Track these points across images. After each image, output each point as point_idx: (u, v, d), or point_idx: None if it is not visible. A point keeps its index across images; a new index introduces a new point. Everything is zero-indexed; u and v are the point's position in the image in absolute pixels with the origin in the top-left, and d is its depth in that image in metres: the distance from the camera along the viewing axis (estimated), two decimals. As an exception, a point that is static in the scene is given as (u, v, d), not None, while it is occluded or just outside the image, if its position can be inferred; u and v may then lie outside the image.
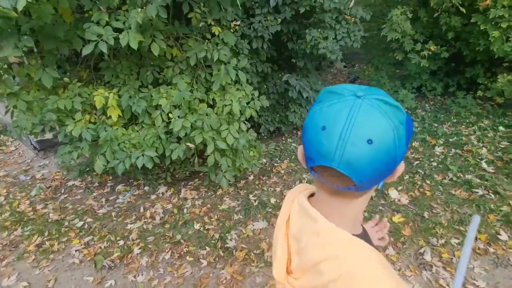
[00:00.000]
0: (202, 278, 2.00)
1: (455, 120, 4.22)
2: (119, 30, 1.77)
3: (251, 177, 3.19)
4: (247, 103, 2.41)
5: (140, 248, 2.29)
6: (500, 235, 2.16)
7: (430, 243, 2.14)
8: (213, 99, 2.45)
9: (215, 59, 2.06)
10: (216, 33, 2.20)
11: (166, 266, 2.12)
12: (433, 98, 5.13)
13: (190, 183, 3.13)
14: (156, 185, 3.06)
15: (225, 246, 2.25)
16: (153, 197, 2.96)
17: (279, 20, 2.90)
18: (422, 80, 4.96)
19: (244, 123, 2.40)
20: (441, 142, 3.61)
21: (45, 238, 2.47)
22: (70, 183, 3.35)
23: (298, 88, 3.20)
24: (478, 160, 3.12)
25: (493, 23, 3.49)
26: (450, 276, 1.89)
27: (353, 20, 2.91)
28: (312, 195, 0.60)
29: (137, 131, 2.38)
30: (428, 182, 2.83)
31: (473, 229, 0.97)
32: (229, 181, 2.55)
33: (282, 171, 3.30)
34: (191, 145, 2.23)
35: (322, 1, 2.72)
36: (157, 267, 2.12)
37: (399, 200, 2.62)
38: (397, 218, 2.40)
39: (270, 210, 2.61)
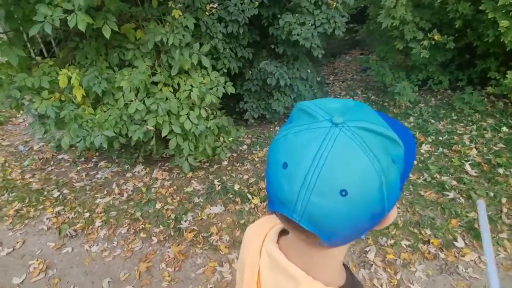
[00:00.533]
0: (148, 254, 2.12)
1: (455, 117, 3.94)
2: (70, 12, 1.81)
3: (225, 163, 3.24)
4: (210, 89, 2.40)
5: (102, 221, 2.45)
6: (457, 241, 2.05)
7: (378, 243, 2.09)
8: (178, 84, 2.47)
9: (170, 43, 2.05)
10: (176, 17, 2.17)
11: (120, 239, 2.27)
12: (441, 92, 4.79)
13: (166, 164, 3.24)
14: (133, 164, 3.21)
15: (178, 226, 2.35)
16: (128, 175, 3.11)
17: (257, 3, 2.80)
18: (429, 72, 4.61)
19: (205, 109, 2.41)
20: (430, 140, 3.40)
21: (24, 205, 2.70)
22: (60, 156, 3.59)
23: (277, 76, 3.12)
24: (463, 161, 2.92)
25: (503, 11, 3.13)
26: (388, 276, 1.86)
27: (334, 5, 2.73)
28: (283, 230, 0.48)
29: (105, 111, 2.47)
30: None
31: (483, 215, 0.90)
32: (192, 165, 2.60)
33: (257, 159, 3.30)
34: (150, 127, 2.28)
35: (301, -16, 2.57)
36: (112, 240, 2.27)
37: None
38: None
39: (230, 196, 2.66)
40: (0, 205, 2.73)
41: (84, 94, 2.29)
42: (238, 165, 3.21)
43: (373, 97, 5.18)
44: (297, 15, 2.69)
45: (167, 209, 2.54)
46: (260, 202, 2.55)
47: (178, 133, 2.40)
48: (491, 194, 2.46)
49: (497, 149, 3.10)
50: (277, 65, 3.16)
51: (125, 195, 2.77)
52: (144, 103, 2.17)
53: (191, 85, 2.29)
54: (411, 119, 4.03)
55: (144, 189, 2.83)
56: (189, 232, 2.27)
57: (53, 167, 3.36)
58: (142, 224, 2.40)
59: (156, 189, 2.83)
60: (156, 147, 2.58)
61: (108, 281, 1.92)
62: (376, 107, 4.62)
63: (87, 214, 2.54)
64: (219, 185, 2.79)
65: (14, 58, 2.08)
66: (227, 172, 3.06)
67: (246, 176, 2.97)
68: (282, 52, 3.13)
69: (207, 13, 2.78)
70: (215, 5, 2.82)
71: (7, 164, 3.48)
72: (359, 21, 6.85)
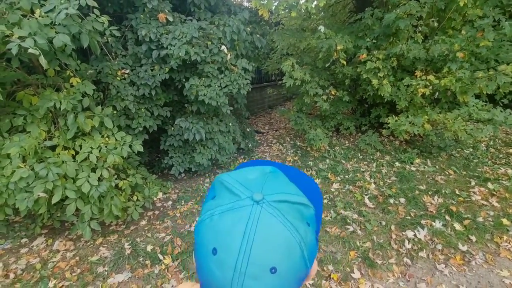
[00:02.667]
0: None
1: (361, 157, 4.54)
2: None
3: (143, 222, 3.08)
4: (114, 149, 2.42)
5: (-30, 316, 2.01)
6: (354, 273, 2.21)
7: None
8: (80, 146, 2.43)
9: (63, 108, 2.09)
10: (74, 84, 2.27)
11: (-11, 336, 1.87)
12: (353, 136, 5.55)
13: (74, 232, 2.94)
14: (33, 237, 2.83)
15: (70, 305, 2.06)
16: (23, 250, 2.71)
17: (167, 69, 3.09)
18: (338, 120, 5.39)
19: (107, 169, 2.38)
20: (339, 179, 3.81)
21: None
22: None
23: (193, 131, 3.31)
24: (363, 195, 3.31)
25: (372, 73, 4.00)
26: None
27: (236, 71, 3.18)
28: None
29: (-10, 180, 2.25)
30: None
31: None
32: (95, 230, 2.42)
33: (179, 214, 3.23)
34: (41, 194, 2.13)
35: (205, 55, 2.97)
36: None
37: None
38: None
39: (141, 259, 2.49)
40: None
41: (-38, 164, 2.08)
42: (157, 223, 3.08)
43: (299, 143, 5.71)
44: (203, 78, 3.03)
45: (62, 286, 2.23)
46: (172, 261, 2.43)
47: (78, 197, 2.28)
48: (383, 223, 2.78)
49: (390, 181, 3.62)
50: (193, 121, 3.38)
51: (12, 276, 2.37)
52: (33, 169, 2.06)
53: (91, 147, 2.29)
54: (327, 161, 4.52)
55: (38, 266, 2.47)
56: (83, 310, 2.00)
57: None
58: (25, 310, 2.05)
59: (54, 263, 2.50)
60: (50, 215, 2.37)
61: None
62: (301, 151, 5.09)
63: (-49, 310, 2.07)
64: (129, 249, 2.60)
65: None
66: (143, 233, 2.89)
67: (162, 234, 2.85)
68: (196, 110, 3.38)
69: (118, 78, 2.95)
70: (127, 71, 3.03)
71: None
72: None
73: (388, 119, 4.20)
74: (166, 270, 2.35)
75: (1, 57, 1.99)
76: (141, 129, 3.18)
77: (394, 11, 3.69)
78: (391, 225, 2.74)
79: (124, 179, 2.82)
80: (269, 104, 9.42)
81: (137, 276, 2.31)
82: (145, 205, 2.90)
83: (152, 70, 3.05)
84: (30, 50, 1.55)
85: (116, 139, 2.51)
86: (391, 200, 3.15)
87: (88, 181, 2.23)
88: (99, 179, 2.31)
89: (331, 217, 2.94)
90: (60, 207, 2.47)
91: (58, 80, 2.44)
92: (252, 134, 5.48)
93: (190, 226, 2.98)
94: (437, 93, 3.84)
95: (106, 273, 2.36)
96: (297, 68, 3.93)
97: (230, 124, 4.11)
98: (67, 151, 2.38)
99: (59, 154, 2.31)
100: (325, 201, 3.30)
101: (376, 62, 3.89)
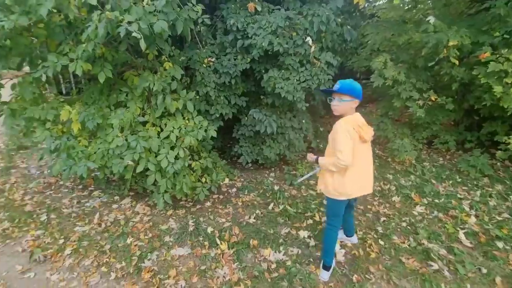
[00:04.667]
0: (101, 290, 2.09)
1: (459, 180, 3.70)
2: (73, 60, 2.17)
3: (208, 203, 3.25)
4: (191, 131, 2.57)
5: (72, 250, 2.50)
6: (432, 323, 1.79)
7: (340, 312, 1.88)
8: (165, 124, 2.68)
9: (155, 89, 2.31)
10: (167, 68, 2.48)
11: (81, 271, 2.27)
12: (451, 153, 4.58)
13: (151, 200, 3.33)
14: (123, 196, 3.34)
15: (139, 264, 2.32)
16: (114, 206, 3.22)
17: (249, 59, 3.10)
18: (433, 131, 4.52)
19: (183, 149, 2.55)
20: (426, 202, 3.19)
21: (12, 225, 2.87)
22: (62, 182, 3.85)
23: (265, 124, 3.26)
24: (458, 229, 2.67)
25: (496, 77, 3.13)
26: None
27: (318, 65, 2.94)
28: None
29: (98, 144, 2.71)
30: (381, 243, 2.51)
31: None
32: (167, 203, 2.66)
33: (241, 203, 3.28)
34: (129, 162, 2.44)
35: (288, 47, 2.85)
36: (74, 270, 2.28)
37: (335, 255, 2.38)
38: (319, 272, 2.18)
39: (201, 239, 2.62)
40: (-8, 223, 2.92)
41: (80, 128, 2.56)
42: (220, 207, 3.20)
43: (378, 151, 5.09)
44: (283, 71, 2.91)
45: (136, 245, 2.54)
46: (228, 248, 2.47)
47: (157, 170, 2.53)
48: (484, 270, 2.17)
49: (501, 219, 2.81)
50: (267, 113, 3.33)
51: (103, 226, 2.84)
52: (126, 139, 2.37)
53: (173, 127, 2.48)
54: (411, 177, 3.85)
55: (122, 222, 2.89)
56: (147, 272, 2.22)
57: (51, 192, 3.59)
58: (107, 257, 2.41)
59: (134, 223, 2.88)
60: (135, 181, 2.71)
61: (52, 314, 1.89)
62: (379, 161, 4.52)
63: (61, 241, 2.61)
64: (192, 226, 2.77)
65: (28, 93, 2.45)
66: (206, 214, 3.05)
67: (223, 220, 2.93)
68: (271, 102, 3.31)
69: (204, 65, 3.12)
70: (213, 59, 3.18)
71: (15, 185, 3.79)
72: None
73: (510, 138, 3.25)
74: (221, 255, 2.40)
75: (114, 40, 2.33)
76: (217, 115, 3.32)
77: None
78: (496, 277, 2.11)
79: (197, 160, 3.00)
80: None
81: (195, 254, 2.44)
82: (211, 188, 3.04)
83: (235, 59, 3.11)
84: (133, 34, 1.74)
85: (194, 123, 2.66)
86: (499, 244, 2.44)
87: (167, 158, 2.44)
88: (176, 157, 2.50)
89: (409, 246, 2.47)
90: (142, 176, 2.80)
91: (156, 64, 2.73)
92: (324, 134, 5.13)
93: (250, 217, 2.98)
94: None
95: (170, 243, 2.58)
96: (390, 66, 3.41)
97: (304, 121, 3.91)
98: (154, 127, 2.65)
99: (148, 129, 2.60)
100: (404, 224, 2.80)
101: (503, 63, 3.02)
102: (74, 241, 2.62)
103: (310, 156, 2.05)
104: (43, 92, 2.83)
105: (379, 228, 2.73)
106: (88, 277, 2.21)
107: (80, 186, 3.73)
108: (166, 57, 2.50)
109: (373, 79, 3.55)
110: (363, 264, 2.27)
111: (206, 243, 2.55)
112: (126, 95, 2.58)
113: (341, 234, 2.53)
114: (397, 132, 4.61)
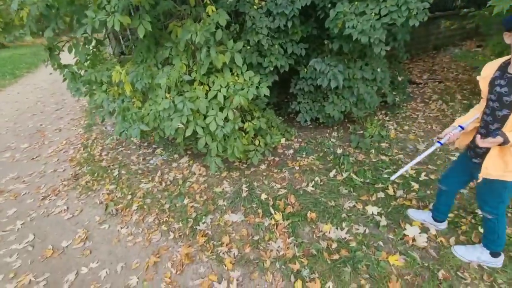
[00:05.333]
0: (161, 248, 2.19)
1: None
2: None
3: (263, 166, 3.05)
4: (241, 89, 2.24)
5: (137, 206, 2.68)
6: None
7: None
8: (213, 82, 2.40)
9: (197, 41, 1.97)
10: (210, 13, 2.07)
11: (145, 227, 2.43)
12: None
13: (205, 162, 3.30)
14: (182, 155, 3.41)
15: (195, 227, 2.34)
16: (174, 165, 3.32)
17: (310, -8, 2.42)
18: None
19: (233, 111, 2.26)
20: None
21: (92, 178, 3.24)
22: (131, 139, 4.15)
23: (329, 76, 2.68)
24: None
25: None
26: None
27: (411, -13, 2.07)
28: None
29: (150, 105, 2.65)
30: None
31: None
32: (218, 166, 2.54)
33: (298, 167, 2.98)
34: (180, 125, 2.31)
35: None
36: (139, 226, 2.45)
37: (414, 241, 1.94)
38: (394, 259, 1.81)
39: (254, 205, 2.48)
40: (79, 175, 3.36)
41: (132, 89, 2.49)
42: (275, 171, 2.97)
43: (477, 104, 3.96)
44: (356, 3, 2.18)
45: (192, 207, 2.57)
46: (283, 219, 2.28)
47: (207, 133, 2.36)
48: None
49: None
50: (332, 63, 2.71)
51: (164, 184, 2.96)
52: (173, 101, 2.20)
53: (220, 85, 2.18)
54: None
55: (180, 182, 2.96)
56: (202, 236, 2.23)
57: (122, 148, 3.92)
58: (167, 216, 2.51)
59: (191, 183, 2.91)
60: (187, 143, 2.63)
61: (122, 266, 2.07)
62: None
63: (129, 197, 2.83)
64: (246, 191, 2.64)
65: (82, 55, 2.42)
66: (261, 178, 2.87)
67: (278, 186, 2.71)
68: (337, 48, 2.65)
69: (255, 6, 2.59)
70: (266, -2, 2.60)
71: (95, 141, 4.26)
72: (478, 2, 5.30)
73: None
74: (275, 226, 2.23)
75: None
76: (271, 68, 2.86)
77: None
78: None
79: (249, 121, 2.72)
80: (435, 43, 6.90)
81: (248, 222, 2.33)
82: (265, 152, 2.78)
83: (292, -6, 2.47)
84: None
85: (244, 79, 2.30)
86: None
87: (215, 120, 2.21)
88: (226, 119, 2.25)
89: (525, 239, 1.84)
90: (194, 138, 2.69)
91: (199, 9, 2.34)
92: (404, 84, 4.17)
93: (308, 184, 2.68)
94: None
95: (224, 207, 2.52)
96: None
97: (379, 69, 3.13)
98: (202, 86, 2.40)
99: (195, 89, 2.36)
100: (517, 207, 2.10)
101: None
102: (140, 197, 2.80)
103: (488, 141, 1.32)
104: (101, 53, 2.80)
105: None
106: (151, 234, 2.34)
107: (145, 144, 3.95)
108: (209, 0, 2.08)
109: (493, 2, 2.44)
110: (453, 256, 1.79)
111: (259, 211, 2.41)
112: (171, 51, 2.33)
113: (426, 215, 2.04)
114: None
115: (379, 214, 2.23)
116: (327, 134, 3.66)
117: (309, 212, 2.31)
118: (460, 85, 4.72)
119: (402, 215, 2.18)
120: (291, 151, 3.36)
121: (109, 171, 3.36)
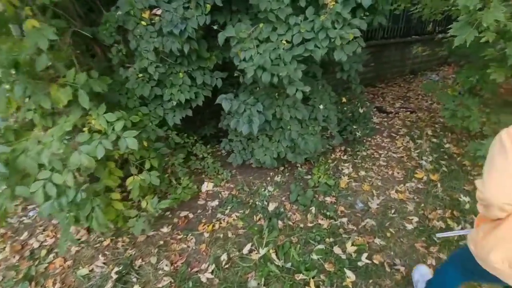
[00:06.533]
0: None
1: None
2: None
3: (165, 229, 2.28)
4: (85, 142, 1.50)
5: None
6: None
7: None
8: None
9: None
10: (29, 29, 1.36)
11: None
12: None
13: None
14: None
15: None
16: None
17: (208, 6, 1.75)
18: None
19: (73, 174, 1.51)
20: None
21: None
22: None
23: (244, 119, 1.99)
24: None
25: None
26: None
27: (332, 4, 1.41)
28: None
29: None
30: None
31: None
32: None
33: (209, 234, 2.23)
34: None
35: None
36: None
37: None
38: None
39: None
40: None
41: None
42: (179, 237, 2.23)
43: (448, 145, 3.45)
44: (261, 25, 1.50)
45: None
46: None
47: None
48: None
49: None
50: (249, 100, 2.03)
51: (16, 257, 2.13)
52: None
53: (52, 135, 1.44)
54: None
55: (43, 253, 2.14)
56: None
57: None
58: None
59: (53, 258, 2.10)
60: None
61: None
62: (447, 163, 3.04)
63: None
64: (116, 278, 1.84)
65: None
66: (152, 250, 2.09)
67: (166, 269, 1.93)
68: (252, 82, 1.97)
69: (143, 22, 1.92)
70: (159, 11, 1.92)
71: None
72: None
73: None
74: None
75: None
76: (174, 103, 2.16)
77: None
78: None
79: (136, 174, 1.98)
80: (412, 68, 6.51)
81: None
82: (150, 221, 2.02)
83: (186, 8, 1.79)
84: None
85: (101, 125, 1.57)
86: None
87: (44, 188, 1.45)
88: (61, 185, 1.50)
89: None
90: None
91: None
92: (368, 115, 3.52)
93: (208, 267, 1.92)
94: None
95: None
96: (494, 7, 1.67)
97: (321, 106, 2.49)
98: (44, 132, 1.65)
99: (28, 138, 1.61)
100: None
101: None
102: None
103: None
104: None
105: None
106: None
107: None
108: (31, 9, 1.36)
109: (454, 31, 1.84)
110: None
111: None
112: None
113: None
114: (488, 120, 2.89)
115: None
116: (268, 178, 2.95)
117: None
118: (432, 117, 4.21)
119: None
120: (216, 202, 2.63)
121: None
